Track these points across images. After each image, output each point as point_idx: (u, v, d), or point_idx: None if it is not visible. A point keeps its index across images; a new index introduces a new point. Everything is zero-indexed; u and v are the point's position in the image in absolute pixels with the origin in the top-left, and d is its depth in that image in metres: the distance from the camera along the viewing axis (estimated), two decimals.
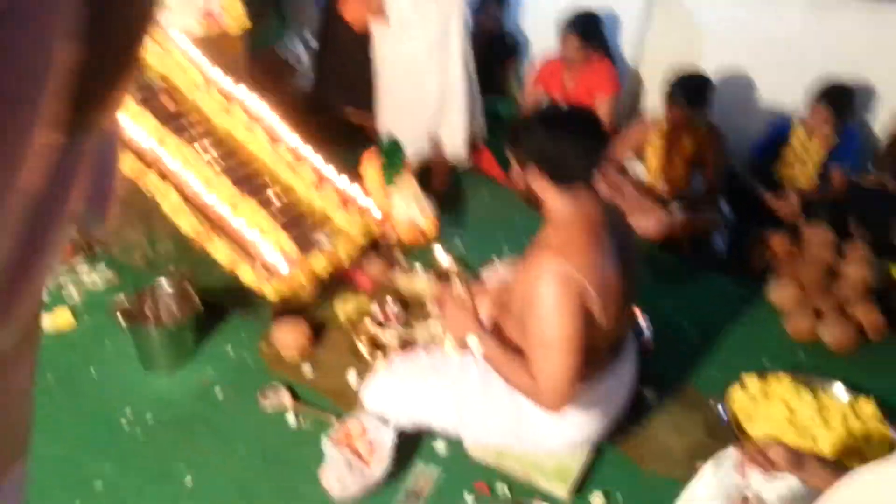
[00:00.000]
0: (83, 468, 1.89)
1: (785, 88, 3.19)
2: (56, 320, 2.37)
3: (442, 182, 3.14)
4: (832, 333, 2.44)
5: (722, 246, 2.94)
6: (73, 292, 2.52)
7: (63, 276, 2.58)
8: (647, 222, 2.86)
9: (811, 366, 2.37)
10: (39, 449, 1.90)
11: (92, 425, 2.03)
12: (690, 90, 2.79)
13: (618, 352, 1.86)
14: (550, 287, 1.54)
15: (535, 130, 1.63)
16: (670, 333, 2.47)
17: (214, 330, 2.40)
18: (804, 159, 2.97)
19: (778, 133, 3.04)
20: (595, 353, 1.70)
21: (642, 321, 2.41)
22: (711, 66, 3.30)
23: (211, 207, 2.36)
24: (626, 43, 3.60)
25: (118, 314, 2.19)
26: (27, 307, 0.38)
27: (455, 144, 3.14)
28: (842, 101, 2.84)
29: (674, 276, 2.81)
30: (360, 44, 3.19)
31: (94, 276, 2.59)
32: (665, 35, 3.52)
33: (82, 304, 2.48)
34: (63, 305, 2.44)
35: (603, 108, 3.16)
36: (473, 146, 3.26)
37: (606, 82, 3.17)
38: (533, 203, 1.72)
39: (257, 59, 3.63)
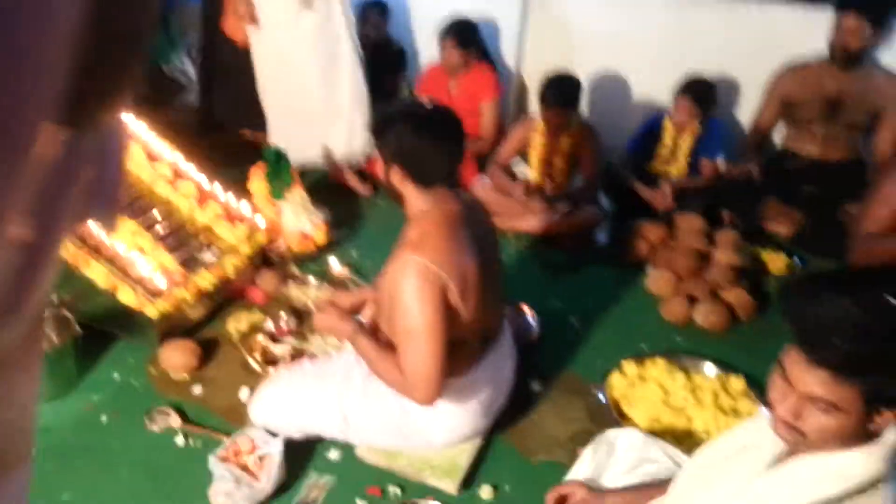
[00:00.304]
0: None
1: (655, 86, 3.40)
2: None
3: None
4: (705, 316, 2.64)
5: (603, 238, 3.11)
6: None
7: None
8: (534, 221, 3.01)
9: (686, 348, 2.55)
10: None
11: None
12: (560, 91, 2.94)
13: (490, 344, 1.95)
14: (410, 280, 1.62)
15: (398, 129, 1.69)
16: (556, 325, 2.61)
17: (99, 356, 2.36)
18: (674, 152, 3.19)
19: (650, 128, 3.24)
20: (464, 347, 1.80)
21: (529, 316, 2.53)
22: (587, 67, 3.49)
23: (88, 230, 2.33)
24: (507, 49, 3.75)
25: None
26: (35, 300, 0.38)
27: (351, 147, 3.18)
28: (702, 93, 3.06)
29: (559, 270, 2.96)
30: (245, 60, 3.20)
31: None
32: (542, 40, 3.69)
33: None
34: None
35: (486, 112, 3.29)
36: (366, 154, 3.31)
37: (488, 88, 3.29)
38: (396, 198, 1.80)
39: (143, 78, 3.57)
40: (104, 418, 2.15)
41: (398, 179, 1.73)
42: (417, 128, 1.69)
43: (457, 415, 1.90)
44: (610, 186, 3.23)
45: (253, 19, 2.98)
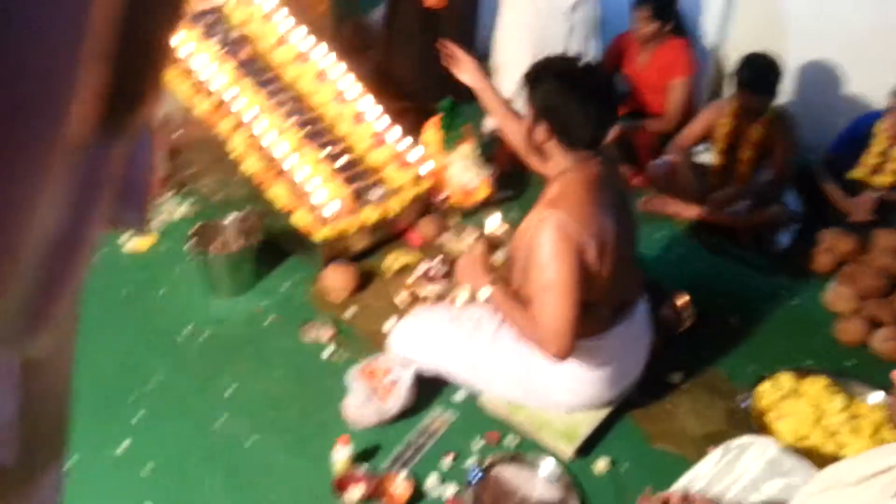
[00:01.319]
0: (140, 368, 2.23)
1: (874, 85, 3.11)
2: (136, 242, 2.72)
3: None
4: (884, 342, 2.44)
5: (786, 241, 2.94)
6: (156, 220, 2.87)
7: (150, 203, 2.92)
8: (709, 213, 2.93)
9: (856, 373, 2.39)
10: (105, 346, 2.25)
11: (154, 335, 2.36)
12: (756, 72, 2.80)
13: (623, 314, 1.96)
14: (547, 234, 1.68)
15: (549, 85, 1.73)
16: (713, 320, 2.54)
17: (273, 267, 2.68)
18: (884, 161, 2.92)
19: (859, 131, 2.98)
20: (595, 310, 1.83)
21: (683, 304, 2.49)
22: (795, 54, 3.25)
23: (276, 153, 2.63)
24: (709, 27, 3.59)
25: (188, 240, 2.51)
26: (64, 309, 0.38)
27: None
28: None
29: (727, 264, 2.86)
30: (426, 24, 3.28)
31: (179, 208, 2.93)
32: (749, 20, 3.49)
33: (162, 231, 2.82)
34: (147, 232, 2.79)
35: (675, 90, 3.19)
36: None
37: (680, 64, 3.18)
38: (532, 152, 1.84)
39: (345, 25, 3.89)
40: (268, 321, 2.45)
41: (542, 136, 1.77)
42: (568, 86, 1.72)
43: (579, 378, 1.94)
44: (802, 187, 3.04)
45: None
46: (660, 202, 3.08)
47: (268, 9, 3.04)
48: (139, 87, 0.36)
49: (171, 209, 2.91)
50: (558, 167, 1.79)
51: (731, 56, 3.47)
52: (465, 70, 2.21)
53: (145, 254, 2.71)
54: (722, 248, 2.93)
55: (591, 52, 3.11)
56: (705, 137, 3.09)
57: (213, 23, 2.96)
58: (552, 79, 1.74)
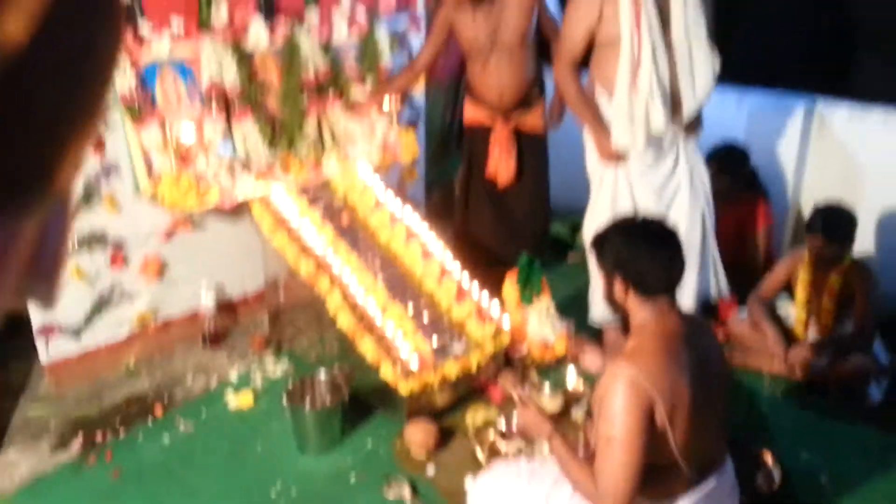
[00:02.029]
0: None
1: None
2: (239, 400, 2.99)
3: None
4: None
5: (878, 395, 2.88)
6: (257, 378, 3.16)
7: (252, 363, 3.25)
8: (792, 366, 2.94)
9: None
10: (206, 501, 2.47)
11: (249, 490, 2.57)
12: (828, 220, 2.88)
13: (706, 476, 1.95)
14: (618, 388, 1.74)
15: (614, 241, 1.89)
16: (802, 481, 2.50)
17: (361, 423, 2.87)
18: None
19: None
20: (672, 472, 1.85)
21: (770, 464, 2.48)
22: (872, 202, 3.32)
23: (366, 309, 2.90)
24: (785, 179, 3.72)
25: (283, 396, 2.76)
26: None
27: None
28: None
29: (816, 421, 2.82)
30: (496, 199, 3.59)
31: (277, 367, 3.22)
32: (821, 170, 3.61)
33: (262, 388, 3.10)
34: (248, 388, 3.07)
35: (753, 242, 3.30)
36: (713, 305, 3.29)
37: (756, 217, 3.32)
38: (621, 313, 1.97)
39: (435, 189, 4.30)
40: (353, 478, 2.62)
41: (621, 291, 1.90)
42: (631, 238, 1.87)
43: None
44: (892, 339, 3.01)
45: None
46: (741, 356, 3.11)
47: (367, 179, 3.44)
48: (45, 168, 0.35)
49: (272, 368, 3.21)
50: (638, 319, 1.91)
51: (807, 206, 3.57)
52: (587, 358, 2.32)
53: (247, 411, 2.97)
54: (810, 402, 2.90)
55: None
56: (786, 288, 3.15)
57: (320, 194, 3.36)
58: (617, 236, 1.90)
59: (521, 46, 3.39)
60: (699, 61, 2.82)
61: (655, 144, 2.94)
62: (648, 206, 2.98)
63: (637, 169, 2.96)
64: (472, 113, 3.62)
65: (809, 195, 3.66)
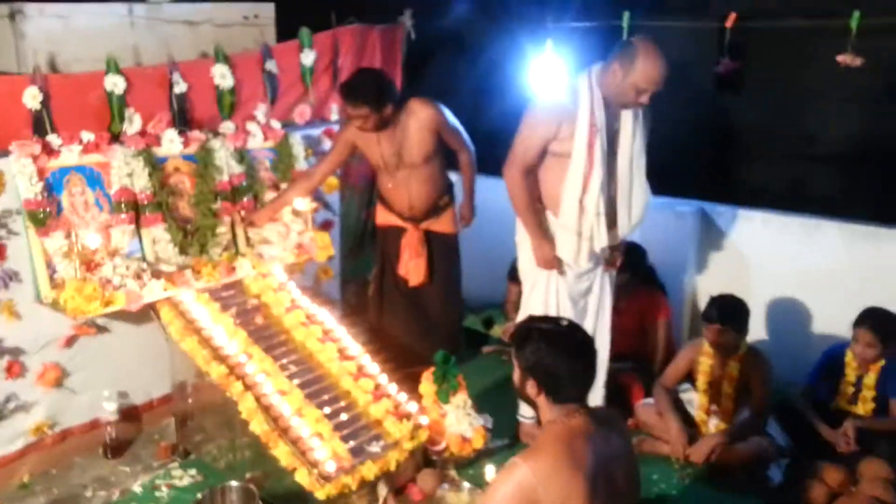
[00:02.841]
0: None
1: (836, 316, 3.45)
2: None
3: None
4: None
5: (777, 476, 3.07)
6: (163, 489, 3.03)
7: (158, 474, 3.13)
8: (696, 451, 3.11)
9: None
10: None
11: None
12: (722, 308, 3.14)
13: None
14: (503, 478, 1.84)
15: (537, 345, 1.96)
16: None
17: None
18: (859, 389, 3.15)
19: (831, 361, 3.25)
20: None
21: None
22: (763, 293, 3.65)
23: (281, 412, 2.89)
24: (680, 275, 4.06)
25: None
26: None
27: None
28: (883, 326, 3.06)
29: (725, 502, 2.96)
30: (409, 297, 3.72)
31: (184, 476, 3.12)
32: (714, 266, 3.97)
33: (169, 500, 2.98)
34: (153, 501, 2.94)
35: (653, 333, 3.54)
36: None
37: (656, 310, 3.58)
38: (528, 402, 2.06)
39: (350, 286, 4.40)
40: None
41: (533, 390, 1.99)
42: (555, 347, 1.95)
43: None
44: (787, 421, 3.24)
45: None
46: (650, 443, 3.27)
47: (281, 280, 3.49)
48: None
49: (179, 477, 3.11)
50: (545, 417, 2.00)
51: (703, 300, 3.88)
52: None
53: None
54: (715, 485, 3.05)
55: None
56: (687, 376, 3.37)
57: (231, 296, 3.38)
58: (541, 340, 1.97)
59: (427, 162, 3.54)
60: (637, 190, 3.01)
61: (593, 258, 3.10)
62: (567, 308, 3.11)
63: (570, 277, 3.10)
64: (383, 217, 3.75)
65: (703, 289, 3.99)
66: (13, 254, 2.93)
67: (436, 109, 3.48)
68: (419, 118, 3.45)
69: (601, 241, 3.00)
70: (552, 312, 3.08)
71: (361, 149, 3.57)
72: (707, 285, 3.99)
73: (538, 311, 3.04)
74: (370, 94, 3.31)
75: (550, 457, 1.86)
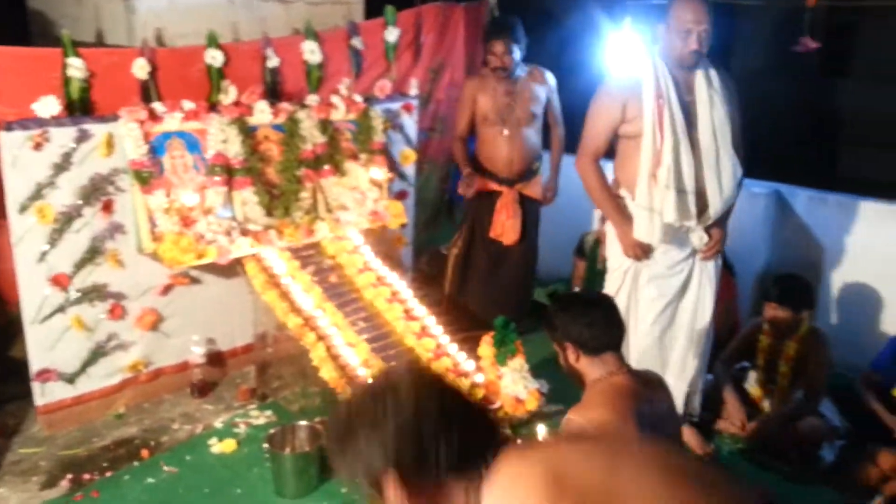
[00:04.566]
0: None
1: None
2: (222, 446, 3.21)
3: None
4: None
5: (830, 457, 3.10)
6: (241, 426, 3.38)
7: (238, 413, 3.48)
8: (737, 427, 3.19)
9: None
10: None
11: None
12: (783, 288, 3.17)
13: None
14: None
15: (555, 314, 2.17)
16: None
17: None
18: None
19: None
20: None
21: None
22: (835, 277, 3.64)
23: (348, 363, 3.17)
24: (753, 256, 4.07)
25: (265, 442, 2.99)
26: None
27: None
28: None
29: (774, 482, 3.01)
30: (499, 262, 4.00)
31: (261, 416, 3.46)
32: (789, 248, 3.96)
33: (245, 436, 3.31)
34: (231, 436, 3.29)
35: (719, 313, 3.58)
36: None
37: (721, 288, 3.61)
38: (578, 382, 2.23)
39: (423, 255, 4.65)
40: None
41: (573, 357, 2.15)
42: (567, 306, 2.17)
43: None
44: (846, 404, 3.25)
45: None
46: (707, 416, 3.35)
47: (356, 243, 3.78)
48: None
49: (256, 417, 3.45)
50: (590, 378, 2.14)
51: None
52: None
53: (229, 455, 3.19)
54: (768, 464, 3.11)
55: None
56: (746, 355, 3.43)
57: (310, 255, 3.69)
58: (556, 310, 2.20)
59: (532, 122, 3.96)
60: (725, 162, 2.88)
61: (678, 243, 2.95)
62: (652, 299, 3.03)
63: (661, 267, 2.98)
64: (480, 183, 4.00)
65: (776, 270, 3.99)
66: (119, 209, 3.31)
67: (552, 80, 4.01)
68: (539, 81, 3.96)
69: (669, 213, 2.86)
70: (634, 307, 3.05)
71: (478, 101, 3.95)
72: (780, 267, 3.99)
73: (622, 302, 2.96)
74: (518, 33, 3.81)
75: (600, 406, 2.01)
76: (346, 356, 3.20)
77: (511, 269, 4.09)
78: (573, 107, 4.49)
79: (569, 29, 4.76)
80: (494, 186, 4.00)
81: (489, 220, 4.01)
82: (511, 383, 3.28)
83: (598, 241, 4.32)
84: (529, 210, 4.07)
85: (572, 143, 4.00)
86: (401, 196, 4.24)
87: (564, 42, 4.74)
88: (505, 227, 3.98)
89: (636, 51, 4.06)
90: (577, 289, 4.39)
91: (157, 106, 3.39)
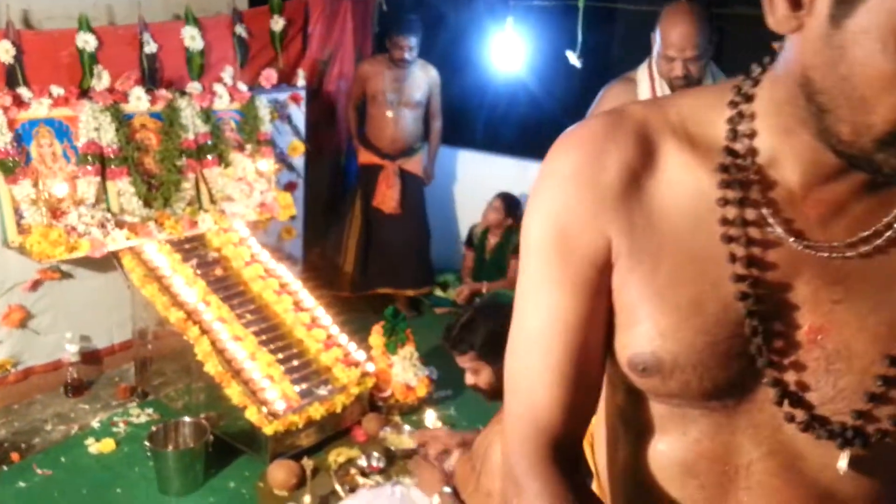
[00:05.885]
0: None
1: None
2: (100, 446, 3.10)
3: None
4: None
5: None
6: (120, 425, 3.28)
7: (116, 412, 3.36)
8: None
9: None
10: None
11: None
12: None
13: None
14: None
15: (480, 324, 2.10)
16: None
17: (225, 466, 3.04)
18: None
19: None
20: None
21: None
22: None
23: (234, 356, 3.13)
24: None
25: (146, 440, 2.91)
26: None
27: None
28: None
29: None
30: (392, 228, 4.22)
31: (141, 415, 3.36)
32: None
33: (125, 435, 3.21)
34: (110, 435, 3.18)
35: None
36: None
37: None
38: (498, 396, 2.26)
39: (313, 245, 4.65)
40: None
41: (489, 370, 2.11)
42: (492, 313, 2.10)
43: None
44: None
45: None
46: None
47: (242, 235, 3.72)
48: None
49: (136, 416, 3.35)
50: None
51: None
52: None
53: (108, 455, 3.08)
54: None
55: None
56: None
57: (193, 248, 3.60)
58: (479, 319, 2.13)
59: (416, 108, 4.39)
60: None
61: None
62: None
63: None
64: (365, 157, 4.46)
65: None
66: None
67: (437, 76, 4.45)
68: (427, 73, 4.40)
69: None
70: None
71: (369, 81, 4.33)
72: None
73: None
74: (420, 31, 4.25)
75: None
76: (233, 350, 3.16)
77: (401, 237, 4.45)
78: (455, 103, 4.68)
79: (452, 28, 4.87)
80: (377, 160, 4.40)
81: (373, 189, 4.42)
82: (402, 371, 3.34)
83: (486, 232, 4.46)
84: (409, 184, 4.45)
85: (452, 135, 4.66)
86: (290, 187, 4.22)
87: (448, 41, 4.84)
88: (385, 196, 4.38)
89: (517, 51, 4.23)
90: (467, 280, 4.51)
91: (24, 91, 3.23)
